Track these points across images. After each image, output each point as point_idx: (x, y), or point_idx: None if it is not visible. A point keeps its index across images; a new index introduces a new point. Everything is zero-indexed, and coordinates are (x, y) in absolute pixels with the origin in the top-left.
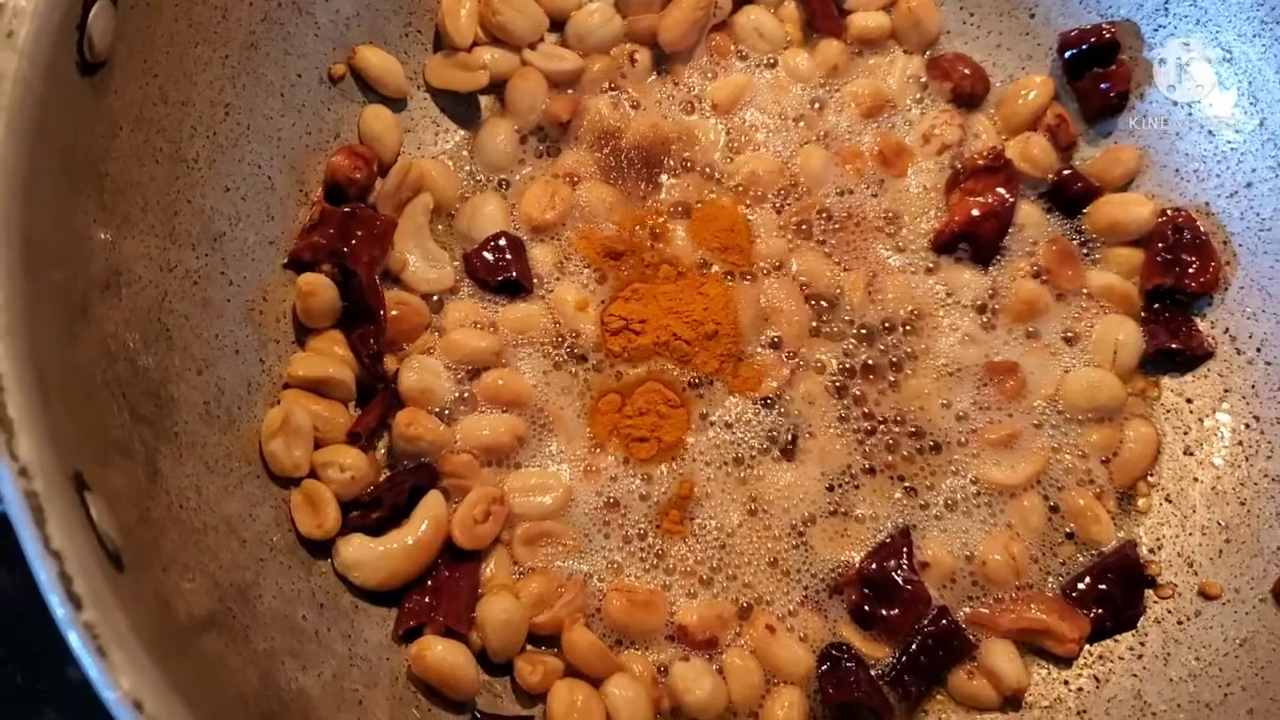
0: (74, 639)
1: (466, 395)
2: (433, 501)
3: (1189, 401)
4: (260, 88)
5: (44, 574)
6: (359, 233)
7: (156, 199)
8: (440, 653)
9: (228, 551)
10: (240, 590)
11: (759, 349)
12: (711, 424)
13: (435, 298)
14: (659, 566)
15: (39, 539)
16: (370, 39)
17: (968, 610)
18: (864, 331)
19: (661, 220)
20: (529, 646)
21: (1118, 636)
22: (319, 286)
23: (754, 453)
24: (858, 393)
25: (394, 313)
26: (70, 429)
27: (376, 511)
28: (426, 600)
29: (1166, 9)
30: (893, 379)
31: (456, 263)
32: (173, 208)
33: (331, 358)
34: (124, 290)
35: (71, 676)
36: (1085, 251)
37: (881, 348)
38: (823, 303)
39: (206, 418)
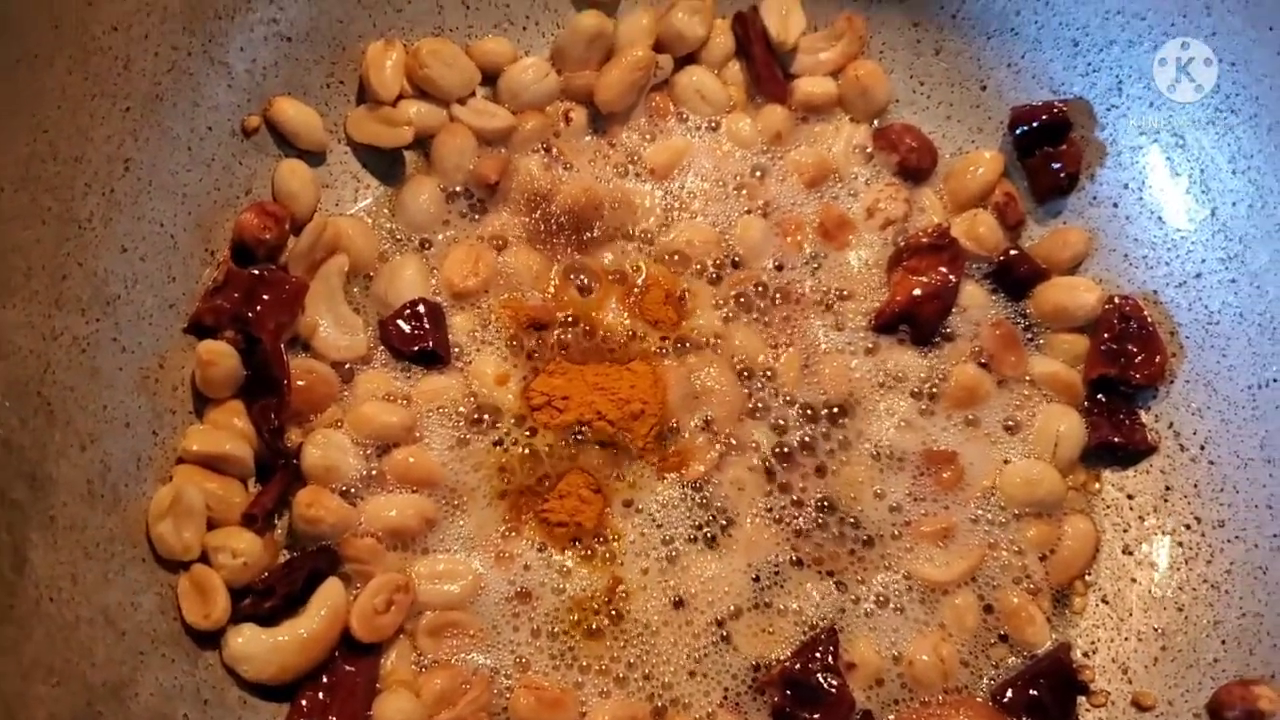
0: None
1: (374, 473)
2: (331, 589)
3: (1130, 498)
4: (165, 141)
5: None
6: (266, 296)
7: (41, 263)
8: None
9: (103, 646)
10: (114, 689)
11: (687, 431)
12: (636, 510)
13: (346, 366)
14: (573, 664)
15: None
16: (289, 90)
17: (893, 716)
18: (798, 414)
19: (590, 289)
20: None
21: None
22: (219, 355)
23: (679, 542)
24: (789, 480)
25: (300, 382)
26: None
27: (270, 600)
28: (320, 697)
29: (1120, 89)
30: (826, 465)
31: (371, 328)
32: (60, 271)
33: (229, 431)
34: None
35: None
36: (1029, 336)
37: (815, 432)
38: (756, 382)
39: (89, 498)
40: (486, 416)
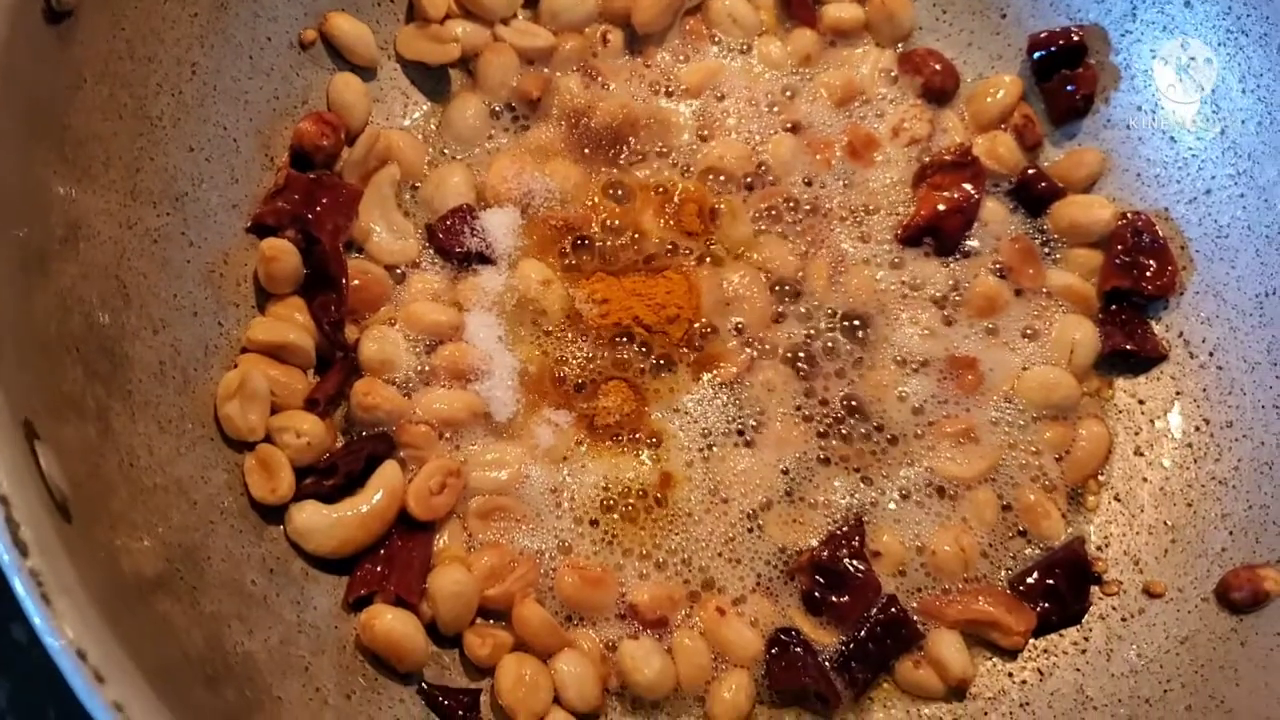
0: (18, 585)
1: (426, 368)
2: (389, 471)
3: (1141, 403)
4: (229, 49)
5: None
6: (324, 200)
7: (119, 154)
8: (389, 621)
9: (177, 512)
10: (188, 552)
11: (720, 335)
12: (673, 409)
13: (398, 269)
14: (615, 549)
15: None
16: (343, 6)
17: (916, 602)
18: (825, 321)
19: (627, 201)
20: (479, 620)
21: (1063, 631)
22: (282, 252)
23: (713, 438)
24: (816, 382)
25: (356, 282)
26: (22, 379)
27: (331, 479)
28: (378, 569)
29: (1134, 14)
30: (852, 369)
31: (420, 233)
32: (135, 164)
33: (292, 323)
34: (82, 245)
35: (16, 637)
36: (1046, 251)
37: (842, 338)
38: (785, 290)
39: (161, 377)
40: (530, 318)
